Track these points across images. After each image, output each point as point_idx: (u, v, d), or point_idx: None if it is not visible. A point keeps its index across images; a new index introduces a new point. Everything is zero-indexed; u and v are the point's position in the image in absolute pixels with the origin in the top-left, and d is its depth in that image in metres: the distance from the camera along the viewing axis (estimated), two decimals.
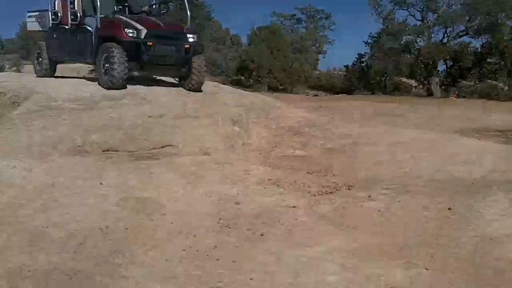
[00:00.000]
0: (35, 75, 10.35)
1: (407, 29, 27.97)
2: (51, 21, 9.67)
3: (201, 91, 8.81)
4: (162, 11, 9.76)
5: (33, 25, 10.61)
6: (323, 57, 42.37)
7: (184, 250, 3.91)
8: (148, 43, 8.09)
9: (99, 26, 8.39)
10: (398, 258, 3.71)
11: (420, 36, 28.40)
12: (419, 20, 29.29)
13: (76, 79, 9.88)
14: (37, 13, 10.32)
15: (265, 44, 27.19)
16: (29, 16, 10.58)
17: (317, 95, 26.14)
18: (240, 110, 8.91)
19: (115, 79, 7.94)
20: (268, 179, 5.99)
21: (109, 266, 3.56)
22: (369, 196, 4.99)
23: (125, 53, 7.95)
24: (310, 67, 34.38)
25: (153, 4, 9.59)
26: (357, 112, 15.80)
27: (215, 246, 3.96)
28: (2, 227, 3.96)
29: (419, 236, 4.13)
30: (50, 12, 9.68)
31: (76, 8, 9.14)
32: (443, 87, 28.48)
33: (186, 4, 9.84)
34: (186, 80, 8.75)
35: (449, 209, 4.55)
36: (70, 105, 7.81)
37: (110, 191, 5.10)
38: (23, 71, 22.68)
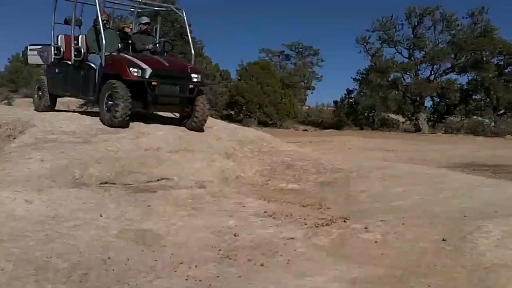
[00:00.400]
0: (34, 109, 10.31)
1: (394, 66, 28.66)
2: (53, 56, 9.65)
3: (203, 130, 8.87)
4: (167, 50, 9.84)
5: (34, 58, 10.58)
6: (312, 93, 43.08)
7: (187, 279, 3.98)
8: (153, 83, 8.08)
9: (103, 64, 8.40)
10: None
11: (408, 72, 29.12)
12: (406, 58, 30.07)
13: (71, 113, 9.99)
14: (39, 47, 10.31)
15: (255, 80, 27.61)
16: (31, 50, 10.57)
17: (306, 130, 26.47)
18: (234, 144, 9.07)
19: (119, 117, 7.90)
20: (264, 212, 6.09)
21: None
22: (365, 228, 5.11)
23: (129, 91, 7.94)
24: (299, 103, 34.89)
25: (158, 43, 9.65)
26: (346, 147, 16.09)
27: (218, 276, 4.04)
28: (8, 258, 4.00)
29: (416, 267, 4.24)
30: (52, 47, 9.67)
31: (80, 45, 9.23)
32: (430, 123, 29.02)
33: (191, 43, 9.95)
34: (188, 119, 8.74)
35: (443, 240, 4.67)
36: (66, 138, 7.92)
37: (110, 223, 5.16)
38: (13, 104, 22.79)
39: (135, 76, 7.97)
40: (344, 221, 5.57)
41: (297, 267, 4.26)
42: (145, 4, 10.03)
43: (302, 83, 39.79)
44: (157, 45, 9.55)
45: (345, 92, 31.48)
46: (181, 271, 4.18)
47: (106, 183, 6.83)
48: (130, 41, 9.40)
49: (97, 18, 9.00)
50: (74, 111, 10.72)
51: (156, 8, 10.25)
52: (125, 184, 6.99)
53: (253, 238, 5.08)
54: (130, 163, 7.34)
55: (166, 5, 10.05)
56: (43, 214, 5.13)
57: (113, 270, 4.10)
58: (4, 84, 38.37)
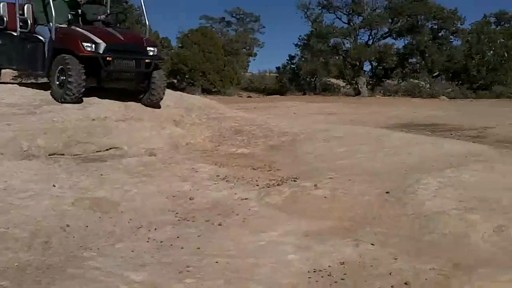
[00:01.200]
0: None
1: (334, 31, 29.11)
2: None
3: (160, 107, 8.60)
4: (119, 21, 9.42)
5: None
6: (254, 60, 43.09)
7: (148, 242, 4.11)
8: (107, 58, 7.65)
9: (53, 38, 7.89)
10: (347, 237, 4.09)
11: (347, 38, 29.66)
12: (345, 23, 30.57)
13: (9, 85, 9.68)
14: None
15: (197, 47, 27.37)
16: None
17: (250, 96, 26.65)
18: (181, 111, 9.12)
19: (72, 93, 7.55)
20: (217, 176, 6.24)
21: (78, 260, 3.70)
22: (315, 185, 5.38)
23: (82, 66, 7.52)
24: (241, 70, 34.91)
25: (110, 14, 9.09)
26: (291, 111, 16.40)
27: (178, 237, 4.19)
28: None
29: (363, 218, 4.56)
30: None
31: (26, 15, 8.56)
32: (369, 86, 29.86)
33: (145, 14, 9.31)
34: (144, 95, 8.40)
35: (387, 192, 5.02)
36: (9, 110, 7.73)
37: (64, 193, 5.18)
38: None
39: (88, 51, 7.52)
40: (294, 181, 5.82)
41: (252, 225, 4.47)
42: None
43: (244, 49, 39.73)
44: (109, 16, 8.99)
45: (287, 58, 31.78)
46: (141, 234, 4.29)
47: (54, 154, 6.76)
48: (80, 12, 8.84)
49: None
50: (11, 83, 10.38)
51: None
52: (73, 155, 6.95)
53: (208, 200, 5.25)
54: (77, 133, 7.28)
55: None
56: None
57: (74, 237, 4.16)
58: None
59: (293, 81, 29.77)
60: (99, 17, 8.74)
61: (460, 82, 28.53)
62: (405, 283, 3.34)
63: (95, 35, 7.70)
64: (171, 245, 4.02)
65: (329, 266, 3.61)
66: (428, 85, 28.27)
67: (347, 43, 30.15)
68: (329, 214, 4.68)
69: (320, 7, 30.22)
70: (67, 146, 6.97)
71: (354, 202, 4.92)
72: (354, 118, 13.49)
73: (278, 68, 31.66)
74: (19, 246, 3.87)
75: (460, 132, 11.62)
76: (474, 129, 12.16)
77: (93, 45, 7.54)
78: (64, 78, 7.55)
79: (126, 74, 8.12)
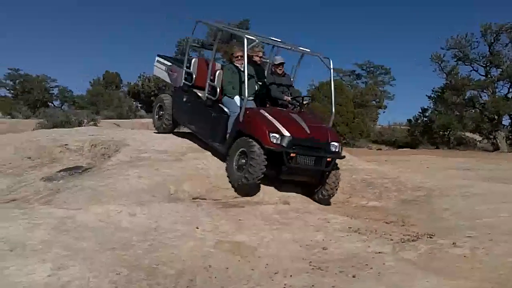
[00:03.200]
0: (154, 127, 10.02)
1: (470, 83, 27.95)
2: (183, 81, 9.02)
3: (330, 204, 7.88)
4: (305, 104, 8.29)
5: (161, 73, 9.94)
6: (383, 112, 42.57)
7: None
8: (291, 154, 7.12)
9: (240, 119, 7.49)
10: None
11: (484, 90, 28.29)
12: (482, 75, 29.24)
13: (160, 134, 10.57)
14: (169, 64, 9.67)
15: (327, 100, 27.73)
16: (159, 62, 9.93)
17: (380, 149, 26.23)
18: None
19: (252, 179, 7.06)
20: (349, 227, 6.28)
21: None
22: (453, 243, 5.21)
23: (265, 155, 7.05)
24: (371, 122, 34.66)
25: (297, 97, 8.32)
26: (424, 165, 15.89)
27: (313, 285, 4.29)
28: (122, 263, 4.45)
29: (508, 281, 4.31)
30: (184, 71, 9.01)
31: (216, 82, 8.31)
32: (508, 141, 27.97)
33: (333, 98, 8.62)
34: (317, 189, 7.73)
35: None
36: (159, 157, 8.47)
37: (206, 235, 5.55)
38: (98, 125, 24.17)
39: (274, 144, 7.04)
40: (430, 237, 5.67)
41: (388, 279, 4.43)
42: (294, 48, 8.45)
43: (374, 102, 39.50)
44: (296, 99, 8.27)
45: (420, 111, 30.99)
46: (277, 280, 4.46)
47: (197, 198, 7.28)
48: (265, 83, 8.45)
49: (238, 57, 8.19)
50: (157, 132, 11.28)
51: (301, 48, 8.50)
52: (214, 200, 7.42)
53: (341, 251, 5.30)
54: (218, 180, 7.77)
55: (313, 52, 8.40)
56: (146, 225, 5.59)
57: (215, 277, 4.45)
58: (86, 107, 40.58)
59: (425, 134, 28.85)
60: (284, 98, 8.26)
61: None
62: None
63: (282, 125, 7.24)
64: None
65: None
66: None
67: (484, 96, 28.77)
68: (469, 274, 4.49)
69: (456, 59, 29.33)
70: (209, 191, 7.47)
71: (497, 264, 4.67)
72: (493, 175, 12.70)
73: (409, 120, 30.93)
74: (168, 283, 4.23)
75: None
76: None
77: (280, 138, 7.10)
78: (244, 161, 7.22)
79: (305, 171, 7.44)
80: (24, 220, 5.17)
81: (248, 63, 7.78)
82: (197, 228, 5.72)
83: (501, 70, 28.59)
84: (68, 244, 4.74)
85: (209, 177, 7.72)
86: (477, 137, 29.56)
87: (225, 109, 8.02)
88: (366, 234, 5.93)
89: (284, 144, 7.08)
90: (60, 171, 8.40)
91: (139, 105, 43.78)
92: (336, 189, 7.71)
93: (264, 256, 5.09)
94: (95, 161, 9.01)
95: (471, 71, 29.39)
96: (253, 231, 5.84)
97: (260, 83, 8.55)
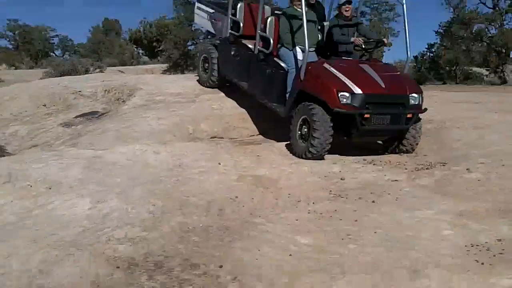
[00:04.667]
0: (200, 82, 9.25)
1: (478, 17, 27.54)
2: (229, 30, 8.05)
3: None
4: (378, 47, 7.34)
5: (203, 21, 9.08)
6: (389, 50, 42.08)
7: (309, 213, 4.53)
8: (365, 116, 6.20)
9: (301, 76, 6.54)
10: (501, 218, 4.17)
11: (492, 23, 27.90)
12: (490, 8, 28.75)
13: (172, 75, 10.72)
14: (212, 11, 8.78)
15: None
16: (199, 8, 9.13)
17: None
18: None
19: (316, 151, 6.25)
20: (364, 159, 6.50)
21: (250, 224, 4.22)
22: (467, 169, 5.45)
23: (330, 118, 6.22)
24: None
25: (369, 41, 7.17)
26: (432, 100, 15.97)
27: (335, 210, 4.55)
28: (155, 196, 4.71)
29: None
30: (229, 19, 8.03)
31: (267, 32, 7.22)
32: None
33: (407, 41, 6.99)
34: (391, 145, 6.90)
35: None
36: (173, 99, 8.66)
37: (229, 170, 5.79)
38: (105, 72, 24.18)
39: (344, 105, 6.12)
40: (443, 165, 5.90)
41: (406, 203, 4.69)
42: None
43: None
44: (369, 42, 7.12)
45: (426, 47, 30.67)
46: (301, 207, 4.72)
47: (215, 137, 7.52)
48: (326, 28, 7.37)
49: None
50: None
51: None
52: (231, 138, 7.66)
53: (359, 181, 5.54)
54: (233, 120, 7.98)
55: None
56: (171, 163, 5.84)
57: (243, 206, 4.72)
58: (88, 55, 40.39)
59: (432, 70, 28.68)
60: (351, 39, 7.05)
61: None
62: None
63: (352, 81, 6.25)
64: (331, 216, 4.40)
65: (486, 242, 3.75)
66: None
67: (492, 29, 28.39)
68: (483, 196, 4.73)
69: None
70: (225, 130, 7.70)
71: (510, 186, 4.91)
72: (502, 107, 12.82)
73: (415, 57, 30.61)
74: (199, 212, 4.49)
75: None
76: None
77: (350, 96, 6.14)
78: (307, 130, 6.40)
79: (381, 131, 6.64)
80: (56, 161, 5.42)
81: (307, 6, 6.78)
82: (219, 164, 5.96)
83: (509, 2, 28.08)
84: (101, 180, 5.01)
85: (224, 117, 7.92)
86: (484, 71, 29.39)
87: (282, 64, 7.02)
88: (381, 165, 6.16)
89: (356, 104, 6.14)
90: (77, 116, 8.63)
91: (142, 51, 43.49)
92: (417, 144, 6.78)
93: (285, 187, 5.33)
94: (110, 105, 9.22)
95: (478, 3, 28.89)
96: (272, 166, 6.07)
97: (320, 27, 7.48)
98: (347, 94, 6.12)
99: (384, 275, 3.27)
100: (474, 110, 10.51)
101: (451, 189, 5.01)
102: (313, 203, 4.81)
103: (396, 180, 5.45)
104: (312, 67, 6.53)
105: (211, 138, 7.49)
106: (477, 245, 3.70)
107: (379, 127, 6.38)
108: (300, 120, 6.49)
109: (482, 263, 3.40)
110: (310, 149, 6.24)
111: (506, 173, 5.22)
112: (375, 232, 3.97)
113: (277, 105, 7.07)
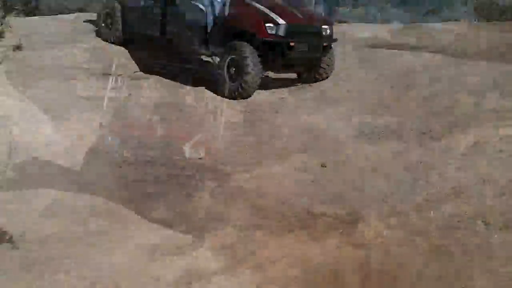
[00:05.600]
0: (100, 37, 8.40)
1: None
2: None
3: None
4: None
5: None
6: None
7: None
8: (291, 44, 6.55)
9: (226, 13, 6.65)
10: (373, 113, 5.88)
11: None
12: None
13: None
14: None
15: None
16: None
17: None
18: None
19: (249, 88, 6.43)
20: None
21: None
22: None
23: (257, 53, 6.42)
24: None
25: None
26: None
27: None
28: None
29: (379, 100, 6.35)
30: None
31: None
32: None
33: None
34: (309, 73, 7.25)
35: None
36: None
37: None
38: None
39: (270, 35, 6.40)
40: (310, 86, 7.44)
41: (302, 111, 6.16)
42: None
43: None
44: None
45: None
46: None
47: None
48: None
49: None
50: None
51: None
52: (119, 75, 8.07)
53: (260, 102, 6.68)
54: (119, 59, 8.37)
55: None
56: None
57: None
58: None
59: None
60: None
61: None
62: None
63: (276, 14, 6.59)
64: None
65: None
66: None
67: None
68: (356, 102, 6.43)
69: None
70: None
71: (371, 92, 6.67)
72: None
73: None
74: None
75: None
76: None
77: (275, 27, 6.45)
78: (237, 70, 6.49)
79: (302, 60, 6.96)
80: None
81: None
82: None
83: None
84: None
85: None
86: None
87: (199, 5, 6.90)
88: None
89: (281, 34, 6.48)
90: None
91: None
92: (331, 70, 7.22)
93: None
94: None
95: None
96: None
97: None
98: (272, 25, 6.45)
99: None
100: None
101: (330, 99, 6.60)
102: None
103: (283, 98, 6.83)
104: (236, 4, 6.71)
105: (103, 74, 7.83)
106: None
107: (301, 55, 6.80)
108: (228, 60, 6.60)
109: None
110: (243, 85, 6.40)
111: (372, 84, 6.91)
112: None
113: (200, 47, 7.08)
